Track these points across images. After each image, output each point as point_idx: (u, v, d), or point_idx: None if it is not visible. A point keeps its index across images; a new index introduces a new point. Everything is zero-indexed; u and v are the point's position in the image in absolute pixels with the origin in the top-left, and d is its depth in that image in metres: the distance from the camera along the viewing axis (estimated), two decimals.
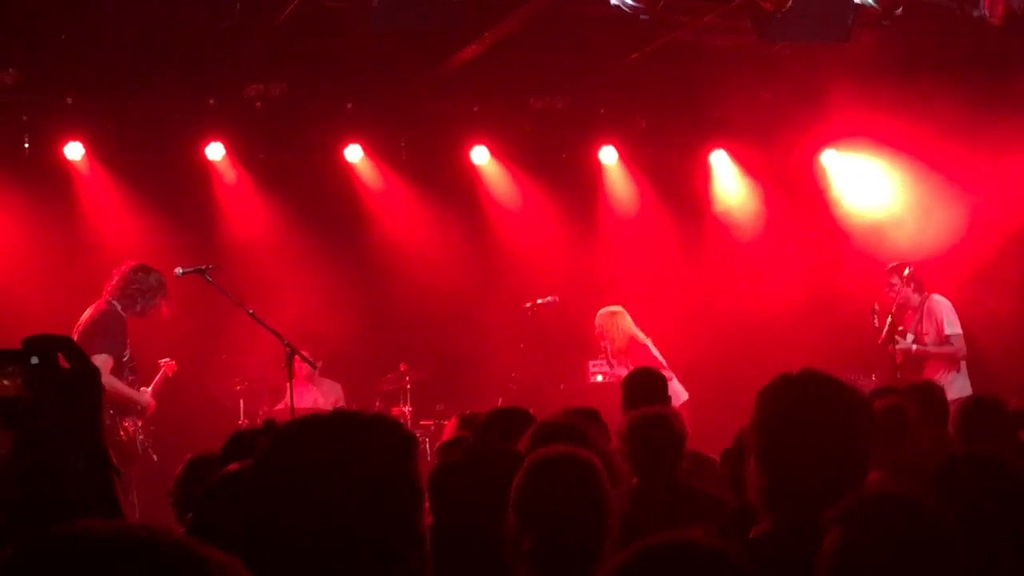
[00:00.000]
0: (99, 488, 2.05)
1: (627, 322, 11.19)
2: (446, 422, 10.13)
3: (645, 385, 7.18)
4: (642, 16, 8.91)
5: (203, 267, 9.02)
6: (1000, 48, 11.25)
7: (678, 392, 10.46)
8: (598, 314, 11.31)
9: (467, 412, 6.75)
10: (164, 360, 9.74)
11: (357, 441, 2.11)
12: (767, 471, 3.32)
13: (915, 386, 7.28)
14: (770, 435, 3.33)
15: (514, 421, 5.11)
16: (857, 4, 9.40)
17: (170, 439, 9.21)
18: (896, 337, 10.83)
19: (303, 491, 2.07)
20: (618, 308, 11.30)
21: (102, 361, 8.63)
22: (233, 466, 2.89)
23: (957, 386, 10.68)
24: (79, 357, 2.11)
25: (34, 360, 2.07)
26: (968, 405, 6.06)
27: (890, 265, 11.32)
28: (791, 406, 3.33)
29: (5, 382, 2.05)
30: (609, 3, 9.02)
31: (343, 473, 2.07)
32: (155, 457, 8.76)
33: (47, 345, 2.08)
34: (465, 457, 4.01)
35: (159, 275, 9.13)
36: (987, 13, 9.58)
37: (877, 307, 10.87)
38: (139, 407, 8.95)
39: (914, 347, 10.97)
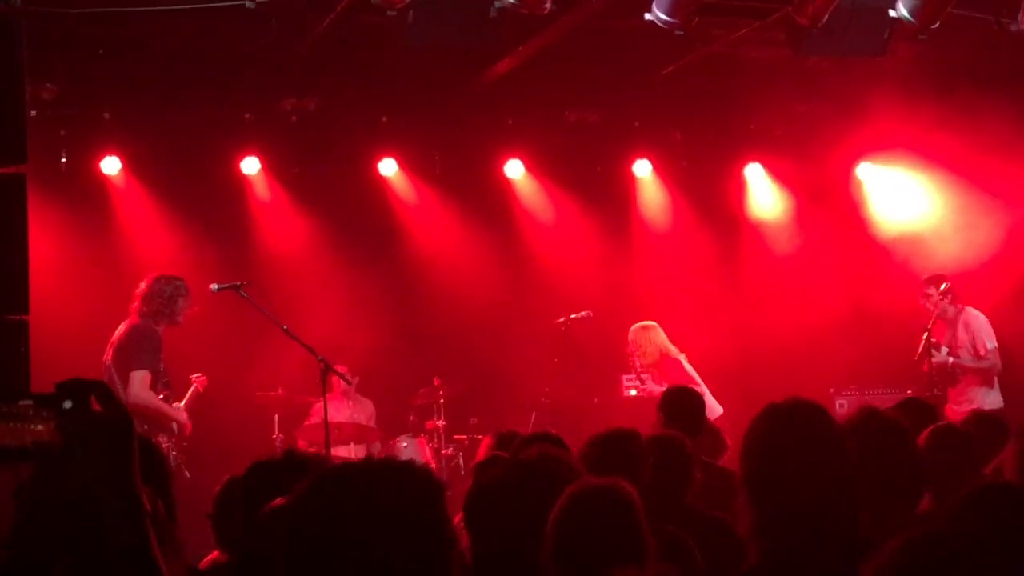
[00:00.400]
0: (133, 532, 2.05)
1: (659, 337, 11.14)
2: (480, 437, 10.14)
3: (682, 404, 7.13)
4: (677, 32, 8.88)
5: (238, 283, 9.03)
6: None
7: (712, 407, 10.38)
8: (631, 329, 11.27)
9: (504, 430, 6.66)
10: (196, 375, 9.76)
11: (390, 489, 2.11)
12: (754, 500, 3.28)
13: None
14: (756, 464, 3.29)
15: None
16: (893, 18, 9.32)
17: (204, 455, 9.23)
18: (931, 351, 10.75)
19: (337, 537, 2.07)
20: (651, 323, 11.24)
21: (140, 376, 8.66)
22: (279, 502, 2.91)
23: (990, 401, 10.65)
24: (112, 401, 2.10)
25: (67, 404, 2.06)
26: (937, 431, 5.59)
27: (925, 276, 11.22)
28: (776, 435, 3.30)
29: (38, 426, 2.05)
30: (643, 17, 9.00)
31: (375, 520, 2.07)
32: (188, 473, 8.78)
33: (80, 389, 2.08)
34: (501, 478, 3.93)
35: (180, 281, 9.15)
36: None
37: (929, 335, 10.77)
38: (175, 425, 8.97)
39: (951, 360, 10.88)
